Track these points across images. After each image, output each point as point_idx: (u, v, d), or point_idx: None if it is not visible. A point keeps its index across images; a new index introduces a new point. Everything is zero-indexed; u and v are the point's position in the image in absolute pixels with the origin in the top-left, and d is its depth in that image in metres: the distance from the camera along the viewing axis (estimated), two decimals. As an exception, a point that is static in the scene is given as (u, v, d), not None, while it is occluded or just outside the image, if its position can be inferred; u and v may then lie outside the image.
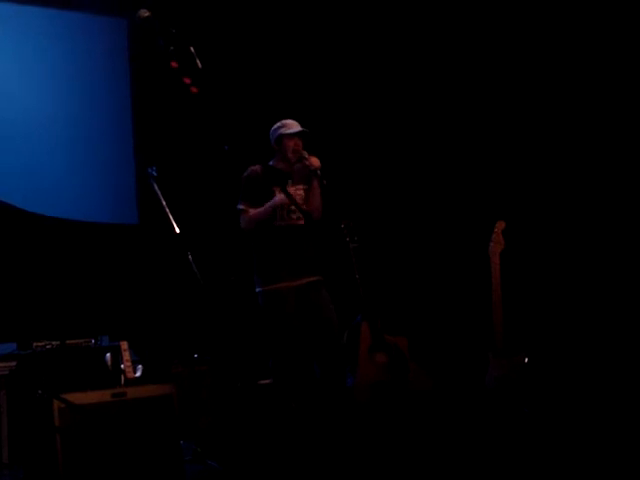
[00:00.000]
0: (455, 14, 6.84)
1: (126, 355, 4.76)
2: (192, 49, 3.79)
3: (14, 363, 5.29)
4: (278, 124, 5.42)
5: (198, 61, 3.74)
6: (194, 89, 3.77)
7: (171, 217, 4.69)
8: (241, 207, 5.30)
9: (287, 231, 5.31)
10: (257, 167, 5.40)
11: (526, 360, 5.34)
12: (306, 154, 5.28)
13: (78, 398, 3.93)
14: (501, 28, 6.54)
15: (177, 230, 4.63)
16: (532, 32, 6.35)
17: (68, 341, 5.39)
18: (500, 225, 5.57)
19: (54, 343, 5.42)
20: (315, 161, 5.27)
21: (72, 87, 7.14)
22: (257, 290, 5.31)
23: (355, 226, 5.59)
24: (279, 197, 5.19)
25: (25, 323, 4.32)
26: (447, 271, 6.78)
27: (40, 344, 5.39)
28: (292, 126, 5.37)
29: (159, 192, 4.85)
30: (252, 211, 5.25)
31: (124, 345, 4.79)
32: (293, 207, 5.26)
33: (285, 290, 5.23)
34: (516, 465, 4.25)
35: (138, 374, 4.91)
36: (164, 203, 4.78)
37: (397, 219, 7.13)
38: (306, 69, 7.42)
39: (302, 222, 5.34)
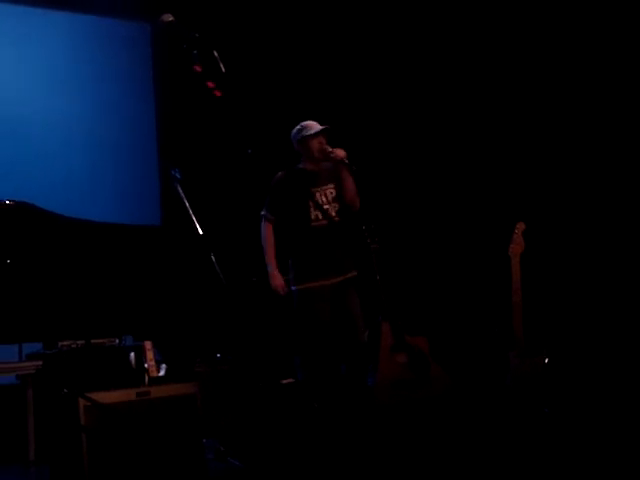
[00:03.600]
0: (479, 15, 6.86)
1: (150, 354, 4.81)
2: (215, 53, 3.83)
3: (40, 362, 5.36)
4: (298, 127, 5.49)
5: (221, 65, 3.78)
6: (217, 93, 3.82)
7: (194, 219, 4.73)
8: (263, 213, 5.46)
9: (323, 230, 5.42)
10: (281, 174, 5.52)
11: (546, 360, 5.34)
12: (330, 148, 5.35)
13: (103, 397, 3.97)
14: (521, 30, 6.55)
15: (200, 232, 4.67)
16: (553, 35, 6.36)
17: (93, 341, 5.45)
18: (520, 226, 5.58)
19: (79, 343, 5.48)
20: (340, 152, 5.35)
21: (97, 91, 7.21)
22: (292, 289, 5.39)
23: (376, 227, 5.64)
24: (276, 281, 5.40)
25: (51, 323, 4.36)
26: (468, 272, 6.79)
27: (65, 344, 5.45)
28: (313, 126, 5.44)
29: (182, 194, 4.89)
30: (271, 224, 5.44)
31: (148, 345, 4.85)
32: (327, 206, 5.40)
33: (321, 288, 5.35)
34: (536, 465, 4.25)
35: (162, 373, 4.96)
36: (187, 205, 4.82)
37: (418, 220, 7.15)
38: (328, 72, 7.45)
39: (337, 219, 5.45)
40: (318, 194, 5.45)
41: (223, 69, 3.82)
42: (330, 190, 5.48)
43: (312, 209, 5.41)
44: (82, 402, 3.90)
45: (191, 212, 4.78)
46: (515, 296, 5.42)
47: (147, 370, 4.77)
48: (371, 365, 5.56)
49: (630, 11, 5.92)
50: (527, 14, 6.52)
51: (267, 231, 5.43)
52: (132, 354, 5.14)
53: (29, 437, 5.28)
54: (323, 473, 4.45)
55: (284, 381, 5.39)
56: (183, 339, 5.67)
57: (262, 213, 5.45)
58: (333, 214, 5.44)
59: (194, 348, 5.84)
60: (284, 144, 5.60)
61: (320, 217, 5.42)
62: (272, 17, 7.51)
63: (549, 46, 6.39)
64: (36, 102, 6.84)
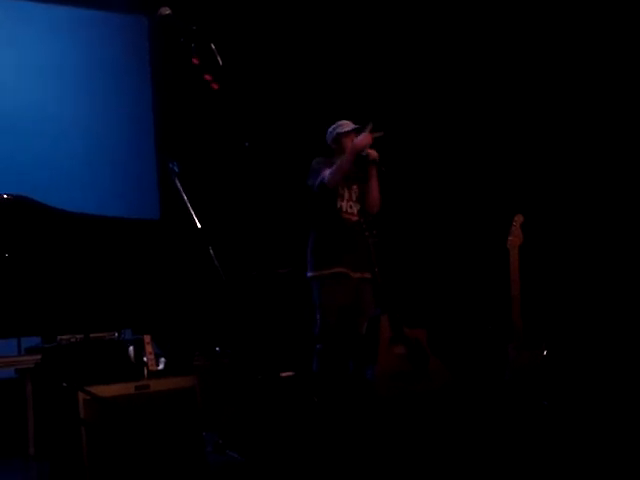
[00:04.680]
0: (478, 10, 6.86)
1: (149, 348, 4.82)
2: (213, 46, 3.83)
3: (39, 356, 5.36)
4: (334, 125, 5.71)
5: (219, 58, 3.78)
6: (215, 86, 3.82)
7: (193, 212, 4.73)
8: (319, 182, 5.51)
9: (348, 223, 5.57)
10: (322, 158, 5.66)
11: (545, 353, 5.35)
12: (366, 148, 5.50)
13: (102, 390, 3.97)
14: (522, 27, 6.55)
15: (199, 225, 4.67)
16: (552, 29, 6.36)
17: (92, 334, 5.45)
18: (519, 219, 5.58)
19: (78, 336, 5.48)
20: (373, 152, 5.52)
21: (94, 85, 7.19)
22: (310, 275, 5.48)
23: (374, 220, 5.65)
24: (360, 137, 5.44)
25: (49, 317, 4.35)
26: (466, 264, 6.80)
27: (64, 337, 5.45)
28: (347, 125, 5.66)
29: (180, 187, 4.89)
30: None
31: (147, 338, 4.85)
32: (350, 203, 5.60)
33: (341, 276, 5.47)
34: (535, 458, 4.26)
35: (161, 367, 4.97)
36: (185, 198, 4.82)
37: (416, 212, 7.15)
38: (327, 66, 7.44)
39: (357, 218, 5.59)
40: (345, 190, 5.61)
41: (220, 62, 3.82)
42: (354, 190, 5.65)
43: (341, 200, 5.57)
44: (81, 396, 3.90)
45: (189, 205, 4.78)
46: (514, 289, 5.43)
47: (146, 364, 4.77)
48: (369, 358, 5.56)
49: (630, 10, 5.92)
50: (527, 10, 6.52)
51: (333, 170, 5.46)
52: (131, 348, 5.15)
53: (28, 431, 5.28)
54: (323, 466, 4.46)
55: (283, 374, 5.40)
56: (182, 333, 5.68)
57: (318, 180, 5.51)
58: (355, 212, 5.62)
59: (193, 341, 5.85)
60: (281, 137, 5.61)
61: (349, 210, 5.61)
62: (269, 10, 7.50)
63: (548, 41, 6.39)
64: (32, 96, 6.82)
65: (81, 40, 7.19)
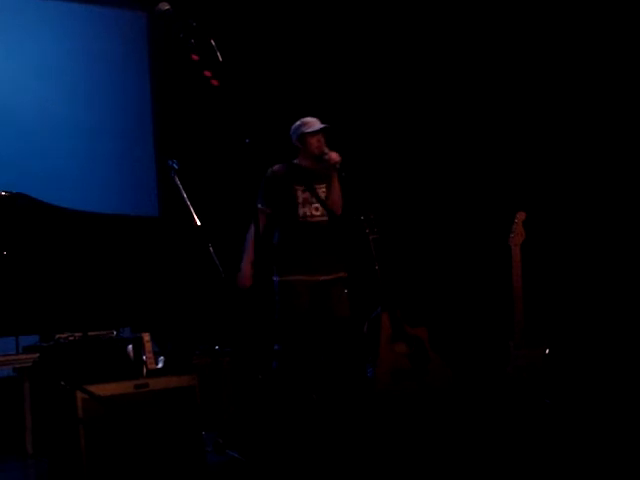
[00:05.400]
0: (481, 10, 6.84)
1: (148, 346, 4.80)
2: (212, 42, 3.80)
3: (37, 355, 5.34)
4: (298, 122, 5.43)
5: (219, 54, 3.75)
6: (215, 82, 3.79)
7: (192, 209, 4.71)
8: (259, 206, 5.32)
9: (310, 227, 5.36)
10: (279, 167, 5.47)
11: (547, 351, 5.33)
12: (327, 149, 5.31)
13: (101, 389, 3.96)
14: (522, 25, 6.52)
15: (198, 222, 4.65)
16: (550, 29, 6.34)
17: (90, 333, 5.44)
18: (521, 216, 5.55)
19: (76, 335, 5.46)
20: (335, 156, 5.29)
21: (92, 81, 7.17)
22: (274, 279, 5.37)
23: (375, 218, 5.62)
24: (242, 272, 5.33)
25: (48, 315, 4.34)
26: (468, 262, 6.78)
27: (63, 336, 5.44)
28: (313, 124, 5.39)
29: (180, 185, 4.87)
30: (264, 217, 5.31)
31: (146, 336, 4.83)
32: (316, 205, 5.34)
33: (299, 283, 5.29)
34: (537, 456, 4.24)
35: (160, 365, 4.95)
36: (185, 195, 4.80)
37: (417, 210, 7.13)
38: (327, 62, 7.41)
39: (326, 219, 5.40)
40: (310, 192, 5.39)
41: (220, 58, 3.79)
42: (322, 190, 5.44)
43: (302, 205, 5.37)
44: (80, 395, 3.89)
45: (188, 203, 4.76)
46: (515, 286, 5.40)
47: (145, 362, 4.75)
48: (370, 357, 5.55)
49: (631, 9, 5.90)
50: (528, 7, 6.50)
51: (260, 224, 5.34)
52: (130, 346, 5.13)
53: (26, 430, 5.27)
54: (323, 465, 4.44)
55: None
56: (181, 331, 5.66)
57: (258, 206, 5.35)
58: (322, 213, 5.40)
59: (192, 340, 5.83)
60: (282, 134, 5.57)
61: (309, 214, 5.38)
62: (270, 6, 7.47)
63: (549, 40, 6.37)
64: (30, 92, 6.80)
65: (79, 36, 7.16)
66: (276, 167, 5.46)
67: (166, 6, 3.89)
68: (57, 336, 5.42)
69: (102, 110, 7.18)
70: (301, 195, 5.38)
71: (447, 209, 6.98)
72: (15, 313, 4.15)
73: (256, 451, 4.38)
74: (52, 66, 6.98)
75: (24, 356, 5.38)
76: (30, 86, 6.82)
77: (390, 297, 5.57)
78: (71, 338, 5.45)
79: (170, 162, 4.99)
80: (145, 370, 4.77)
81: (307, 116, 5.45)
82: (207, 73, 3.81)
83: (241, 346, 5.71)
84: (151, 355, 4.80)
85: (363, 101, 7.33)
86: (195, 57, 3.82)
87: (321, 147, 5.33)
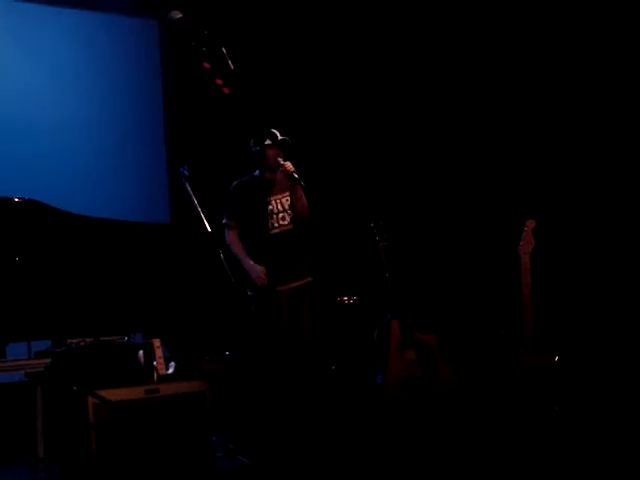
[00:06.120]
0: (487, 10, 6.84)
1: (159, 352, 4.81)
2: (224, 50, 3.82)
3: (49, 360, 5.37)
4: None
5: (230, 62, 3.77)
6: (226, 90, 3.80)
7: (203, 216, 4.73)
8: (224, 221, 5.47)
9: (279, 237, 5.43)
10: (238, 182, 5.58)
11: (556, 358, 5.33)
12: (281, 161, 5.34)
13: (112, 394, 3.97)
14: (531, 27, 6.53)
15: (209, 229, 4.67)
16: (561, 31, 6.34)
17: (102, 338, 5.46)
18: (530, 224, 5.55)
19: (88, 340, 5.49)
20: (289, 165, 5.33)
21: (105, 88, 7.22)
22: (250, 294, 5.40)
23: (385, 225, 5.63)
24: (256, 271, 5.34)
25: (60, 321, 4.36)
26: (477, 269, 6.78)
27: (74, 341, 5.47)
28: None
29: (191, 191, 4.90)
30: (235, 230, 5.46)
31: (157, 342, 4.85)
32: (282, 214, 5.47)
33: (279, 293, 5.33)
34: (546, 463, 4.24)
35: (170, 371, 4.97)
36: (196, 202, 4.82)
37: (427, 217, 7.13)
38: (337, 68, 7.44)
39: (292, 227, 5.49)
40: (274, 202, 5.50)
41: (232, 66, 3.81)
42: (286, 198, 5.53)
43: (269, 217, 5.45)
44: (91, 400, 3.90)
45: (200, 210, 4.78)
46: (525, 294, 5.40)
47: (156, 368, 4.77)
48: (380, 363, 5.56)
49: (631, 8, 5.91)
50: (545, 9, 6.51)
51: (232, 237, 5.47)
52: (141, 352, 5.15)
53: (38, 434, 5.30)
54: (333, 471, 4.45)
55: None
56: (192, 337, 5.68)
57: (224, 222, 5.45)
58: (288, 222, 5.49)
59: (203, 346, 5.85)
60: (293, 140, 5.59)
61: (276, 225, 5.46)
62: (281, 14, 7.50)
63: (563, 47, 6.37)
64: (44, 100, 6.85)
65: (92, 44, 7.22)
66: (237, 182, 5.57)
67: (178, 14, 3.90)
68: (69, 341, 5.45)
69: (114, 117, 7.23)
70: (267, 206, 5.45)
71: (457, 217, 6.98)
72: (27, 318, 4.16)
73: (266, 456, 4.40)
74: (63, 74, 7.05)
75: (36, 361, 5.41)
76: (41, 94, 6.89)
77: (400, 304, 5.58)
78: (82, 343, 5.48)
79: (181, 169, 5.02)
80: (156, 376, 4.78)
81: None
82: (219, 81, 3.82)
83: (250, 352, 5.73)
84: (162, 361, 4.81)
85: (376, 109, 7.35)
86: (207, 65, 3.83)
87: (277, 159, 5.37)
